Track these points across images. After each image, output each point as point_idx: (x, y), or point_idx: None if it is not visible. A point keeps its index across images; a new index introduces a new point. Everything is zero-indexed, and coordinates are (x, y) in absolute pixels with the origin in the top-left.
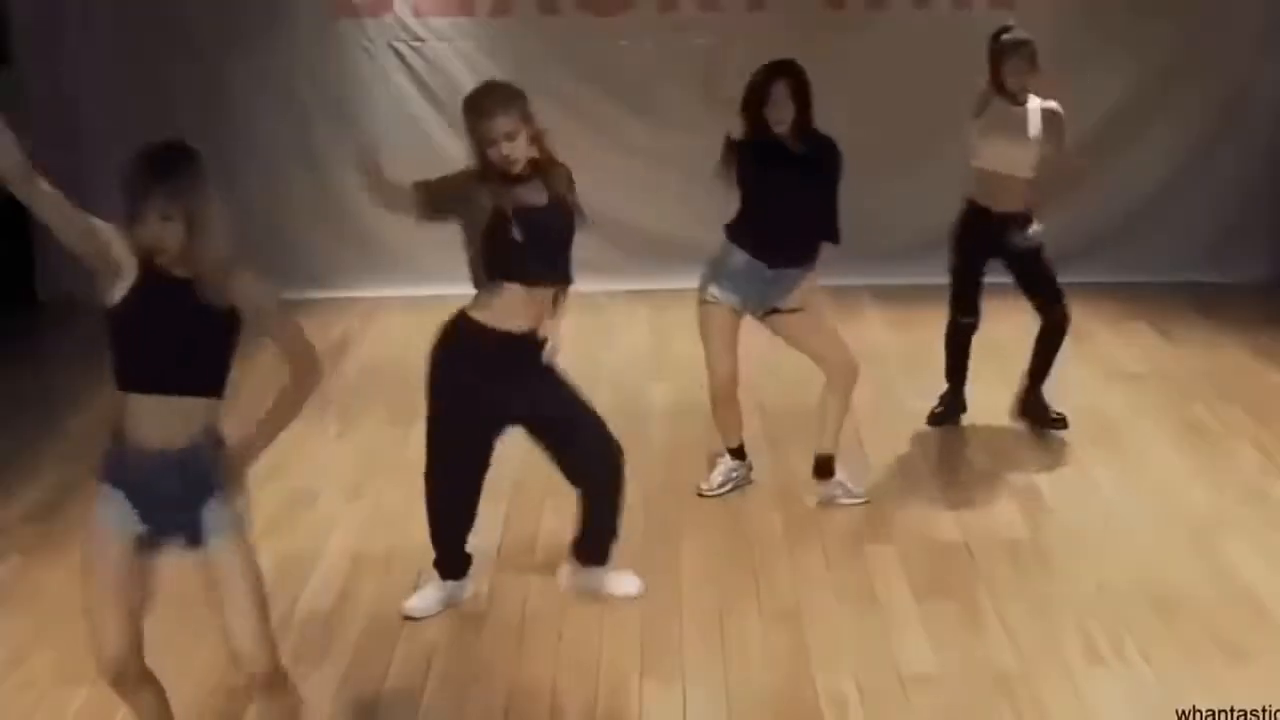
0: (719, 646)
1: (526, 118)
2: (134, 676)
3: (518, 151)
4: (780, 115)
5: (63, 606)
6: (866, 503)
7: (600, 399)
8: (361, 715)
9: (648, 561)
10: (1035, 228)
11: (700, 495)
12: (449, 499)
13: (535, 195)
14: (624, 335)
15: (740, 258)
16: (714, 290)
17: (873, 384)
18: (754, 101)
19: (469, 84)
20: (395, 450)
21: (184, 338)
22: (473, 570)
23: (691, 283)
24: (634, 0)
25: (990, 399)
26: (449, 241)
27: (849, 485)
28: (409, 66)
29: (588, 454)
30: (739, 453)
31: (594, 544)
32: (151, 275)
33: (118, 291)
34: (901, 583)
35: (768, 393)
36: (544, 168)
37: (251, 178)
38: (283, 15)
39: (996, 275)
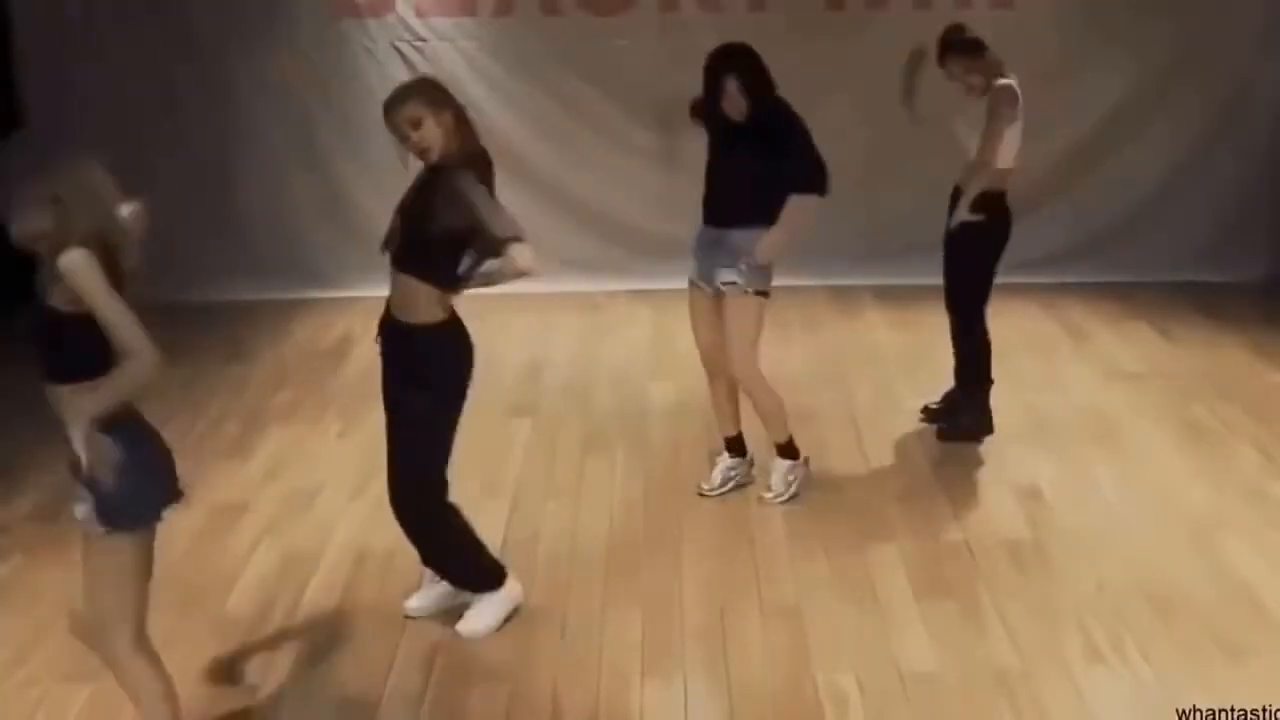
0: (720, 644)
1: (436, 105)
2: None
3: (428, 138)
4: (735, 107)
5: (65, 605)
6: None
7: (600, 398)
8: (363, 714)
9: (648, 560)
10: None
11: (701, 495)
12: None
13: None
14: (625, 334)
15: (699, 228)
16: (691, 269)
17: (872, 384)
18: (710, 94)
19: (472, 84)
20: None
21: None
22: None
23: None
24: (635, 0)
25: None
26: None
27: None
28: (411, 66)
29: (393, 480)
30: (737, 445)
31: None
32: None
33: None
34: (902, 581)
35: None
36: (462, 158)
37: (253, 177)
38: (284, 15)
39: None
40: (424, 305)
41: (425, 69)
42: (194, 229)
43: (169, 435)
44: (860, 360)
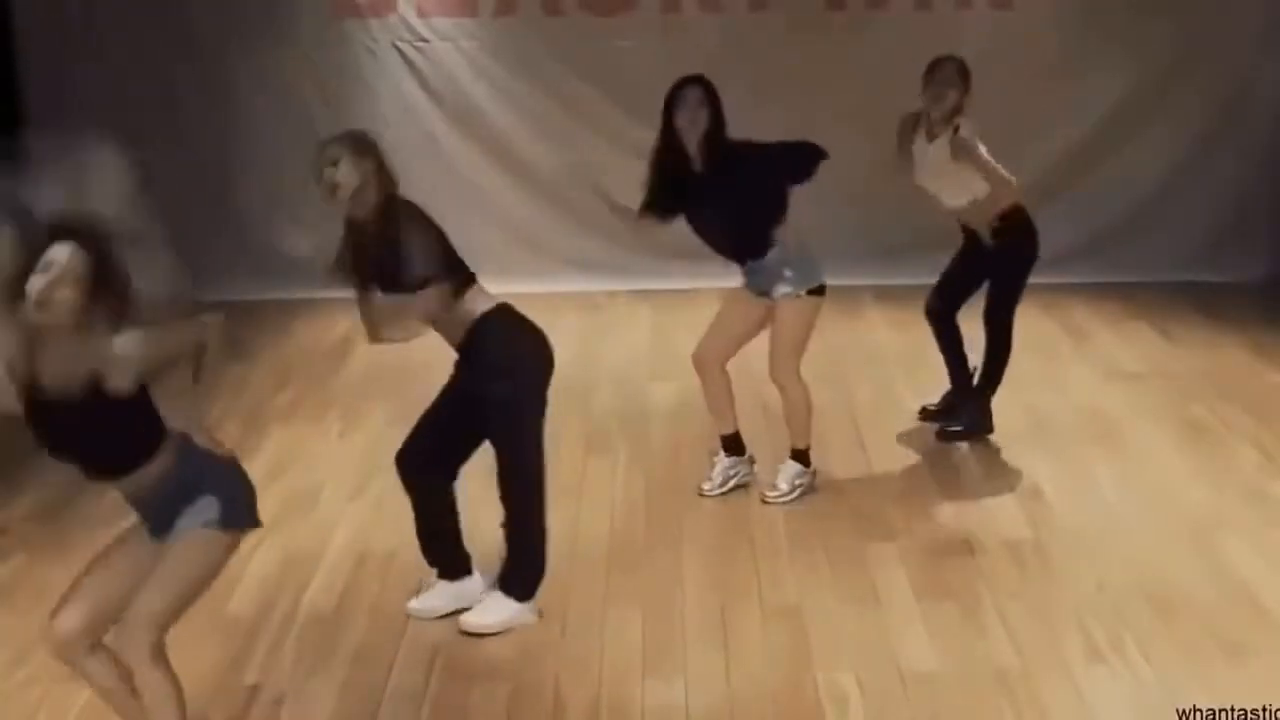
0: (721, 644)
1: (358, 151)
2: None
3: (338, 177)
4: (691, 132)
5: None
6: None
7: (601, 398)
8: (365, 713)
9: (649, 559)
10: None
11: (701, 495)
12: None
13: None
14: (625, 334)
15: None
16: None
17: (872, 384)
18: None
19: (473, 84)
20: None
21: None
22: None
23: (693, 283)
24: (636, 1)
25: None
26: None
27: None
28: (413, 66)
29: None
30: (735, 444)
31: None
32: None
33: None
34: (902, 581)
35: (772, 393)
36: (377, 207)
37: (253, 176)
38: (285, 15)
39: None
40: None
41: (427, 69)
42: (194, 228)
43: None
44: (860, 360)
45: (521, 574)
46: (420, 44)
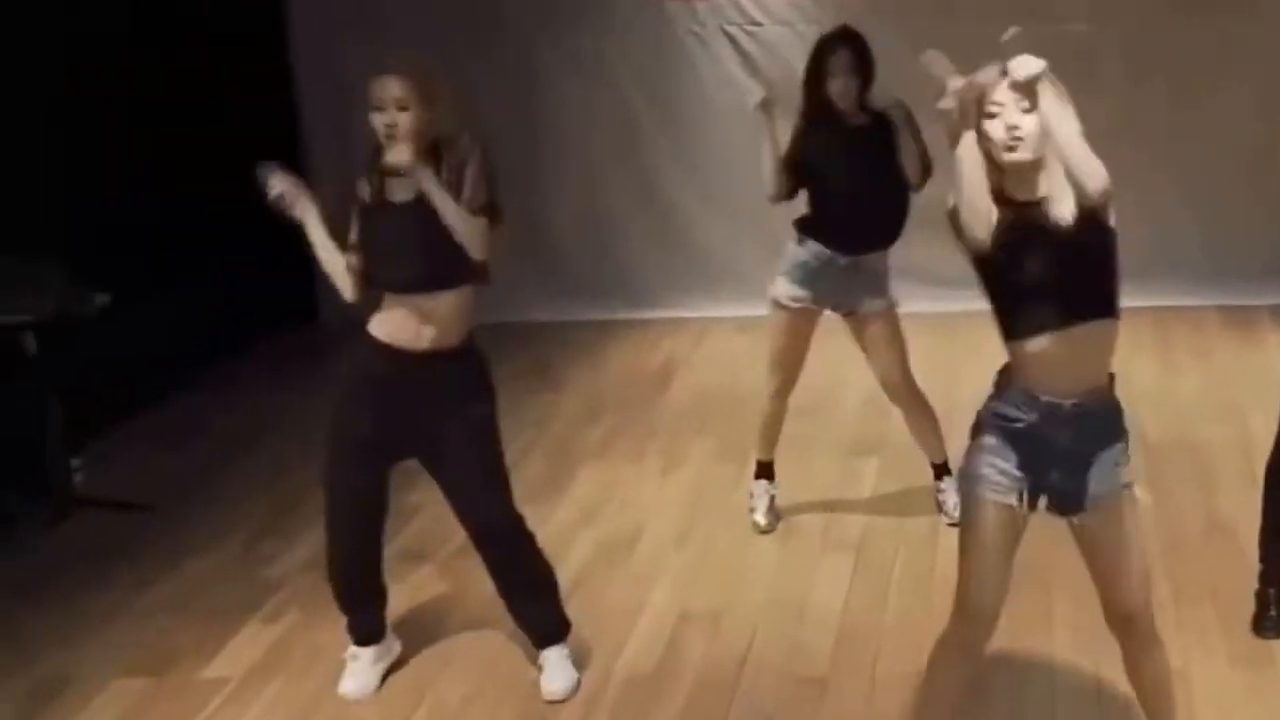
0: (1094, 696)
1: (429, 95)
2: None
3: (402, 125)
4: (843, 89)
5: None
6: None
7: (959, 432)
8: None
9: (1018, 612)
10: None
11: (762, 532)
12: (339, 548)
13: (405, 190)
14: (987, 359)
15: (810, 249)
16: (782, 286)
17: (1270, 414)
18: (814, 77)
19: None
20: (726, 490)
21: None
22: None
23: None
24: None
25: None
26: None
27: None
28: (743, 53)
29: (482, 519)
30: (770, 470)
31: (529, 621)
32: None
33: None
34: None
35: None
36: (440, 157)
37: (565, 178)
38: None
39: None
40: (466, 317)
41: (759, 56)
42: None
43: None
44: (1257, 388)
45: (551, 616)
46: (752, 28)
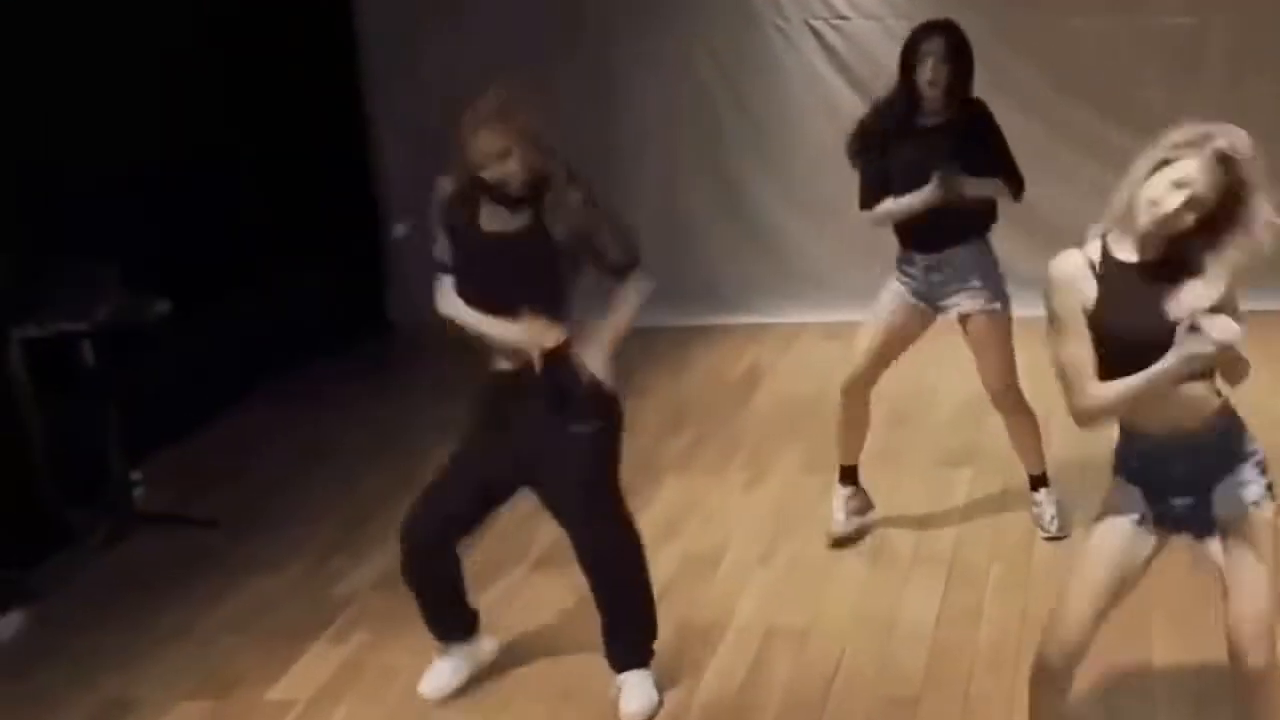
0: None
1: (523, 133)
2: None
3: (513, 175)
4: (934, 78)
5: (418, 693)
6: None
7: (1058, 441)
8: None
9: (1116, 630)
10: None
11: (835, 540)
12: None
13: (505, 220)
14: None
15: (900, 246)
16: (894, 279)
17: None
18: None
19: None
20: (813, 502)
21: None
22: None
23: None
24: None
25: None
26: (877, 259)
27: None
28: (829, 48)
29: (583, 543)
30: (853, 475)
31: (614, 647)
32: None
33: None
34: None
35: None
36: (539, 189)
37: (646, 180)
38: None
39: None
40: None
41: (845, 51)
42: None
43: None
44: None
45: (645, 637)
46: (839, 21)
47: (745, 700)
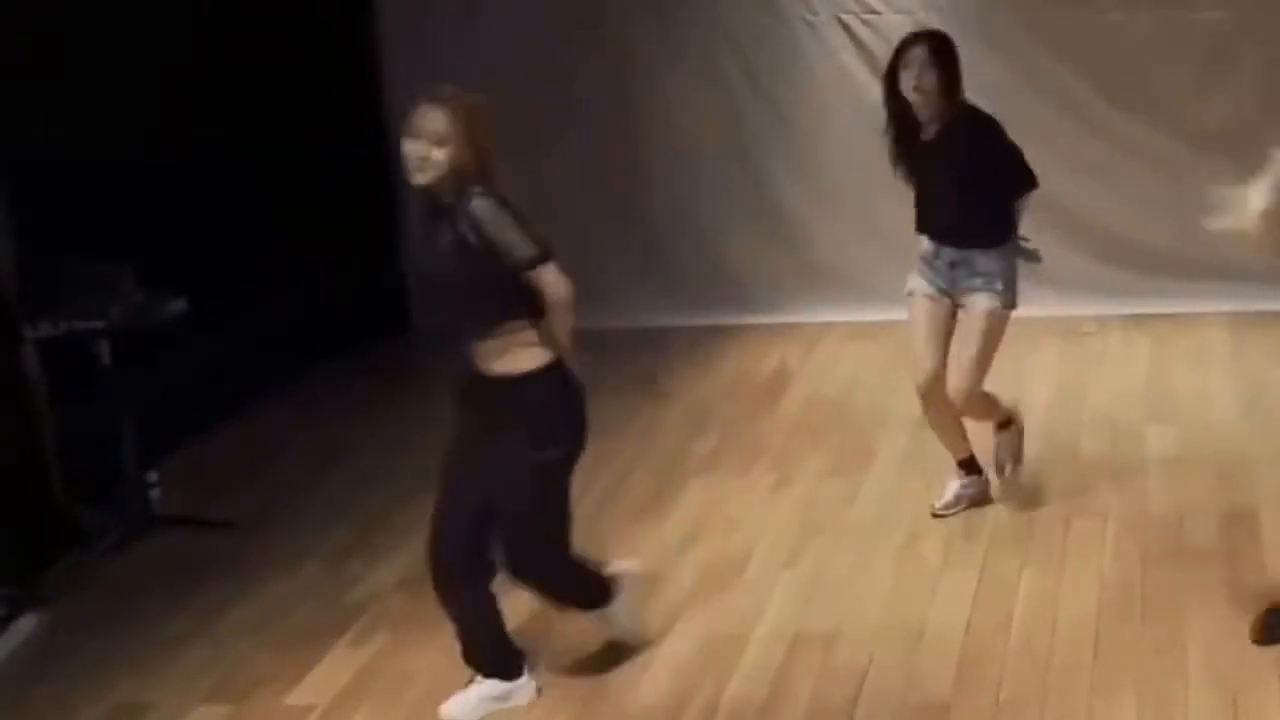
0: None
1: (466, 134)
2: None
3: (434, 161)
4: (919, 84)
5: (438, 697)
6: None
7: (1087, 446)
8: None
9: (1145, 642)
10: None
11: (935, 515)
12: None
13: (436, 236)
14: (1116, 368)
15: (925, 243)
16: (911, 281)
17: None
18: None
19: None
20: (841, 506)
21: None
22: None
23: (1194, 305)
24: None
25: None
26: (905, 258)
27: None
28: (858, 43)
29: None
30: (972, 465)
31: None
32: None
33: None
34: None
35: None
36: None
37: (670, 177)
38: None
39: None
40: (528, 350)
41: (876, 46)
42: (596, 243)
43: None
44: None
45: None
46: (869, 16)
47: (771, 707)
